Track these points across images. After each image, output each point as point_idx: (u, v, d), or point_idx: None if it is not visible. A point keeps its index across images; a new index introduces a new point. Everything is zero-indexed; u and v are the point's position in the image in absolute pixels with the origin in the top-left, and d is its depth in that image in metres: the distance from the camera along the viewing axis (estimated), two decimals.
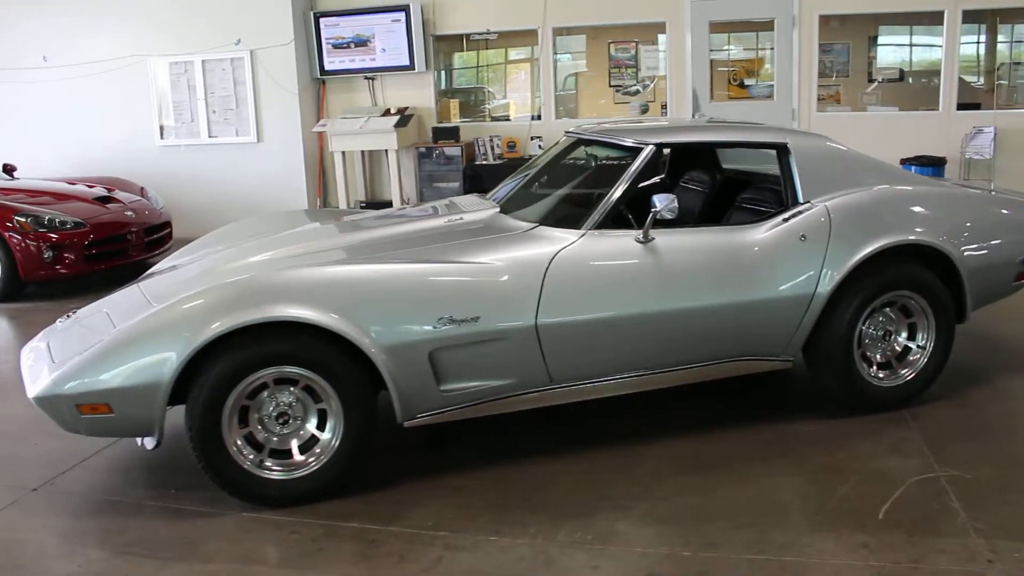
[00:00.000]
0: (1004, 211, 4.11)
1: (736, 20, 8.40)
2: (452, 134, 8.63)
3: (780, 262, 3.64)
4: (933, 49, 11.11)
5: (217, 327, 2.99)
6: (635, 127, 4.22)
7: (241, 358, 3.06)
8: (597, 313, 3.42)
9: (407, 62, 8.81)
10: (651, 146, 3.70)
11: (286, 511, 3.17)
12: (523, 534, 2.96)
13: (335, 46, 8.95)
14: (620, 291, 3.47)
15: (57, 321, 3.85)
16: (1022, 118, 7.81)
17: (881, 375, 3.86)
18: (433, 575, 2.75)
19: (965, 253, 3.86)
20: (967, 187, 4.47)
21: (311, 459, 3.22)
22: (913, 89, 10.95)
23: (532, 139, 8.61)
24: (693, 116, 8.34)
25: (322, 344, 3.12)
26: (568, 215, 3.67)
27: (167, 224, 7.87)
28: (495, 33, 8.88)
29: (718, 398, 4.09)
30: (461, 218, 3.87)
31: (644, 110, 8.75)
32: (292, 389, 3.20)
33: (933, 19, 8.06)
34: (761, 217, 3.82)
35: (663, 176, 4.66)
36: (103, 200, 7.45)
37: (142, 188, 8.17)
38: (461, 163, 8.49)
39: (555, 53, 8.71)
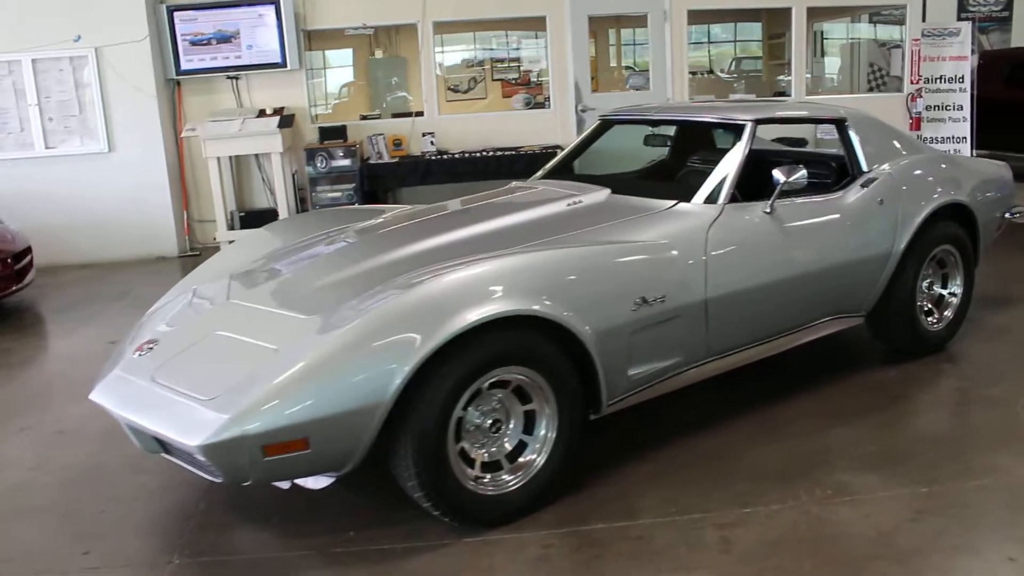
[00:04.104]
0: (990, 171, 4.78)
1: (613, 15, 8.81)
2: (340, 134, 8.16)
3: (867, 224, 3.97)
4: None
5: (454, 325, 2.67)
6: (712, 105, 4.38)
7: (472, 361, 2.76)
8: (747, 283, 3.51)
9: (278, 59, 8.18)
10: (751, 122, 3.86)
11: (507, 528, 2.91)
12: (772, 501, 2.99)
13: (193, 43, 8.07)
14: (761, 260, 3.59)
15: (134, 354, 3.19)
16: (863, 103, 8.93)
17: (931, 320, 4.36)
18: (744, 553, 2.69)
19: (981, 209, 4.46)
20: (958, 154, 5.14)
21: (528, 466, 2.98)
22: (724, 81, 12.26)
23: (424, 135, 8.39)
24: (576, 107, 8.63)
25: (542, 338, 2.92)
26: (691, 191, 3.69)
27: (28, 250, 6.67)
28: (372, 28, 8.52)
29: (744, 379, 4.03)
30: (580, 201, 3.76)
31: (528, 102, 8.89)
32: (499, 393, 2.95)
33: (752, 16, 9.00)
34: (820, 188, 4.13)
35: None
36: None
37: None
38: (357, 163, 8.06)
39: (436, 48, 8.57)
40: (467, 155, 8.24)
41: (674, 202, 3.60)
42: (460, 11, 8.47)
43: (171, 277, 7.55)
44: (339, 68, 10.15)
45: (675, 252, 3.33)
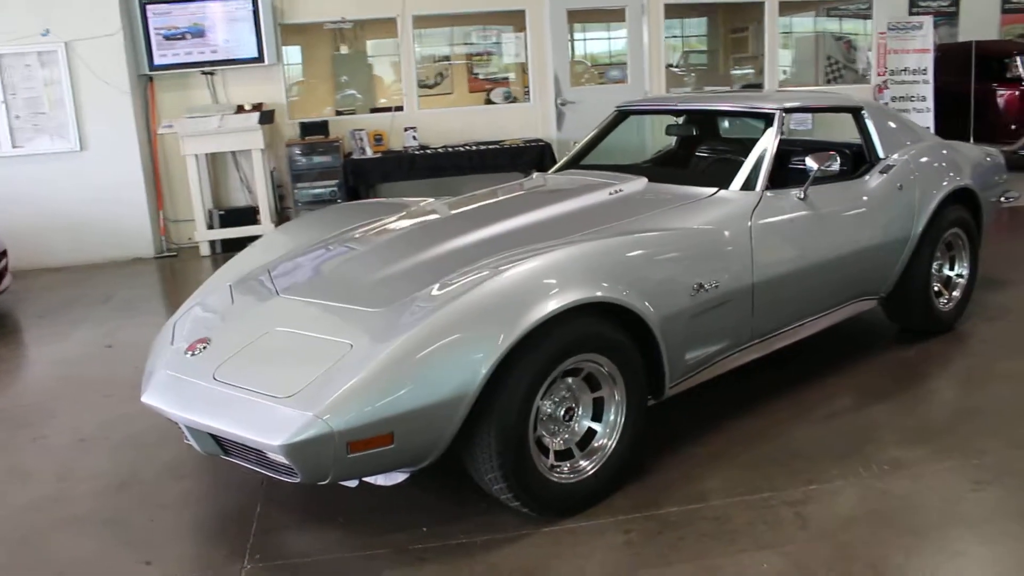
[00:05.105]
0: (983, 157, 4.97)
1: (592, 8, 8.86)
2: (321, 129, 8.05)
3: (890, 209, 4.09)
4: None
5: (535, 314, 2.66)
6: (733, 95, 4.44)
7: (551, 350, 2.75)
8: (787, 267, 3.59)
9: (255, 54, 8.02)
10: (780, 111, 3.94)
11: (581, 516, 2.91)
12: (834, 478, 3.07)
13: (166, 37, 7.86)
14: (799, 244, 3.67)
15: (186, 354, 3.10)
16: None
17: (942, 301, 4.52)
18: (821, 529, 2.75)
19: (982, 193, 4.64)
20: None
21: (600, 450, 2.99)
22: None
23: (406, 130, 8.31)
24: (556, 101, 8.67)
25: (612, 325, 2.94)
26: (726, 178, 3.75)
27: (4, 253, 6.41)
28: (351, 22, 8.41)
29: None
30: (621, 190, 3.79)
31: (508, 95, 8.89)
32: (571, 382, 2.97)
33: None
34: (836, 176, 4.23)
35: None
36: None
37: None
38: (339, 159, 7.96)
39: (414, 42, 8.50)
40: (450, 149, 8.21)
41: (715, 189, 3.66)
42: (439, 5, 8.42)
43: (151, 278, 7.37)
44: (306, 63, 9.95)
45: (726, 237, 3.39)
